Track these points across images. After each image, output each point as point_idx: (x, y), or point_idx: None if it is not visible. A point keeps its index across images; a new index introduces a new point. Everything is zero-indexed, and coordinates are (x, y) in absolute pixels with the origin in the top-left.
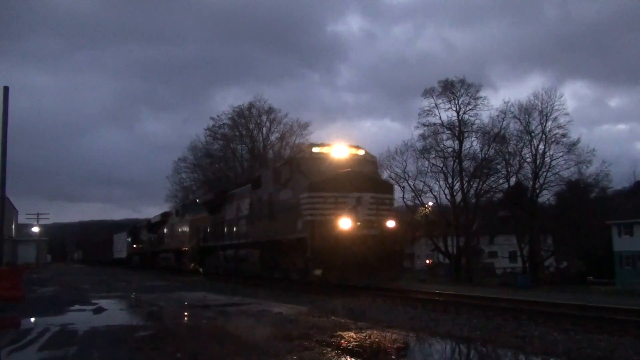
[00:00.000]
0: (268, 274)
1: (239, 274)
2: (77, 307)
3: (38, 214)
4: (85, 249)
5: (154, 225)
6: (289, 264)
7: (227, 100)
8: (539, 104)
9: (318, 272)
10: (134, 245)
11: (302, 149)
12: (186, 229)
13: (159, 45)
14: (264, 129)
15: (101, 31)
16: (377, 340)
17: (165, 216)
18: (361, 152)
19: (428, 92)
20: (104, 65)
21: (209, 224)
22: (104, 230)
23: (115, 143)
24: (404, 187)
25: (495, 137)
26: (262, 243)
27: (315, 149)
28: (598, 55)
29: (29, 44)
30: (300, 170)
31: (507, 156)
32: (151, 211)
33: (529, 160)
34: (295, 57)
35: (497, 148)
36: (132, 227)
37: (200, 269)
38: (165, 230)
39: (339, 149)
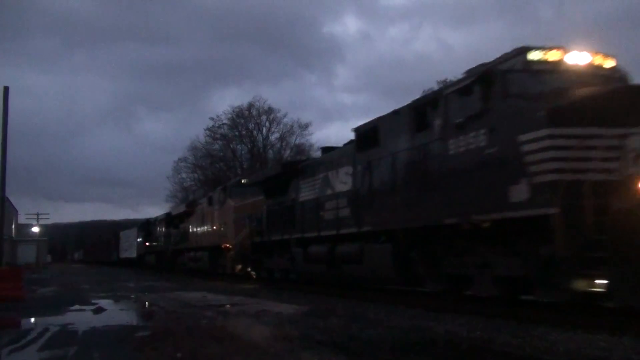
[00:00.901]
0: (409, 281)
1: (340, 282)
2: (77, 307)
3: (38, 214)
4: (87, 249)
5: (175, 218)
6: (471, 266)
7: (224, 101)
8: None
9: (583, 285)
10: (147, 243)
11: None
12: (228, 219)
13: (156, 46)
14: (264, 129)
15: (98, 31)
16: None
17: (191, 206)
18: (610, 64)
19: (428, 92)
20: (101, 66)
21: (270, 210)
22: (104, 230)
23: (114, 143)
24: None
25: None
26: (395, 231)
27: (533, 55)
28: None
29: (26, 44)
30: (510, 92)
31: None
32: (151, 211)
33: None
34: (292, 57)
35: None
36: (145, 223)
37: (253, 273)
38: (192, 223)
39: (574, 56)
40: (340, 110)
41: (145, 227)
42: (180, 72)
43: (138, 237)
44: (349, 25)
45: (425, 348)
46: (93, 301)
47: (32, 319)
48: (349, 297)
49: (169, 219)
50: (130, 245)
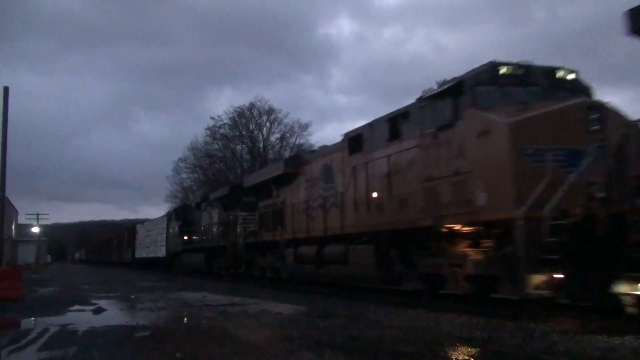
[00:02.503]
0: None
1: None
2: (77, 307)
3: (38, 214)
4: (90, 248)
5: (248, 193)
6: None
7: (220, 101)
8: None
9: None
10: (185, 237)
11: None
12: (494, 155)
13: (152, 47)
14: (264, 129)
15: (95, 33)
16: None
17: (295, 165)
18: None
19: (426, 93)
20: (98, 67)
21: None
22: (104, 230)
23: (112, 144)
24: None
25: None
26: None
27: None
28: (587, 56)
29: (23, 45)
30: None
31: None
32: (150, 211)
33: None
34: (287, 59)
35: None
36: (180, 207)
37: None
38: (301, 194)
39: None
40: (335, 111)
41: (182, 213)
42: (176, 73)
43: (170, 229)
44: (343, 27)
45: (425, 348)
46: (93, 301)
47: (32, 319)
48: (349, 298)
49: (233, 196)
50: (154, 241)
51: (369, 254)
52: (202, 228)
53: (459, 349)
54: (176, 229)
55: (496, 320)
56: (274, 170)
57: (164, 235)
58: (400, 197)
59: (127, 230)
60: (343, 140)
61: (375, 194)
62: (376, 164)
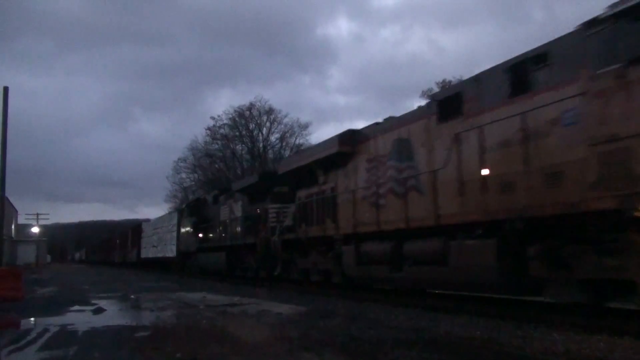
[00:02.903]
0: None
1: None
2: (76, 307)
3: (38, 215)
4: (91, 248)
5: (289, 178)
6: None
7: (219, 102)
8: None
9: None
10: (201, 235)
11: None
12: None
13: (150, 47)
14: (264, 129)
15: (93, 33)
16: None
17: (350, 141)
18: None
19: (426, 93)
20: (96, 67)
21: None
22: (104, 230)
23: (111, 144)
24: None
25: None
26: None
27: None
28: None
29: (22, 45)
30: None
31: None
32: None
33: None
34: (286, 59)
35: None
36: (193, 202)
37: None
38: (361, 177)
39: None
40: (334, 111)
41: (197, 208)
42: (174, 73)
43: (181, 226)
44: (341, 27)
45: (425, 348)
46: (93, 301)
47: (32, 319)
48: (349, 298)
49: (261, 186)
50: (163, 240)
51: (487, 251)
52: (222, 224)
53: (459, 349)
54: (189, 226)
55: (496, 320)
56: (324, 150)
57: (174, 234)
58: (549, 169)
59: (131, 229)
60: (428, 106)
61: (496, 170)
62: (496, 128)
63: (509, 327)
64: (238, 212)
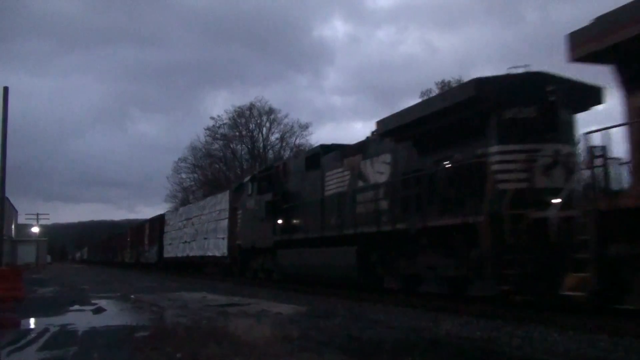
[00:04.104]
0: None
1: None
2: (76, 307)
3: (38, 215)
4: (93, 247)
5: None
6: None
7: (217, 103)
8: None
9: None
10: (280, 221)
11: None
12: None
13: (148, 48)
14: (264, 130)
15: (90, 33)
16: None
17: None
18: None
19: (425, 94)
20: (95, 68)
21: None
22: (104, 230)
23: (110, 144)
24: None
25: None
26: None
27: None
28: None
29: (20, 46)
30: None
31: None
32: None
33: None
34: (282, 60)
35: None
36: (264, 172)
37: None
38: None
39: None
40: (331, 112)
41: (268, 181)
42: (172, 74)
43: (243, 211)
44: (337, 29)
45: (425, 349)
46: (93, 301)
47: (32, 319)
48: (349, 298)
49: (458, 115)
50: (201, 233)
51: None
52: (335, 200)
53: (459, 349)
54: (260, 207)
55: (497, 320)
56: None
57: (224, 222)
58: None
59: (148, 222)
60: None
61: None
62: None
63: (509, 327)
64: (382, 173)
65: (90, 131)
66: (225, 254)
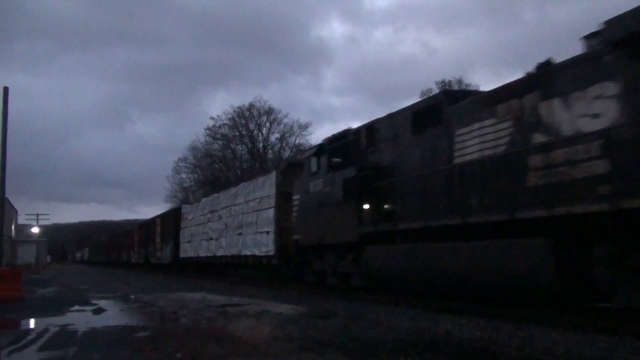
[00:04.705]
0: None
1: None
2: (76, 307)
3: (38, 215)
4: (95, 246)
5: None
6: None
7: (215, 103)
8: None
9: None
10: (367, 205)
11: None
12: None
13: (146, 49)
14: (264, 130)
15: (89, 34)
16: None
17: None
18: None
19: (425, 94)
20: (93, 68)
21: None
22: (104, 230)
23: (109, 144)
24: None
25: None
26: None
27: None
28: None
29: (18, 46)
30: None
31: None
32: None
33: None
34: (280, 60)
35: None
36: (337, 140)
37: None
38: None
39: None
40: (329, 112)
41: (344, 151)
42: (170, 75)
43: (302, 195)
44: (335, 29)
45: (425, 349)
46: (93, 302)
47: (32, 320)
48: (349, 298)
49: None
50: (234, 227)
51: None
52: (473, 170)
53: (459, 349)
54: (332, 188)
55: (497, 320)
56: None
57: (270, 212)
58: None
59: (161, 217)
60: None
61: None
62: None
63: (509, 327)
64: (597, 115)
65: (90, 131)
66: (272, 253)
